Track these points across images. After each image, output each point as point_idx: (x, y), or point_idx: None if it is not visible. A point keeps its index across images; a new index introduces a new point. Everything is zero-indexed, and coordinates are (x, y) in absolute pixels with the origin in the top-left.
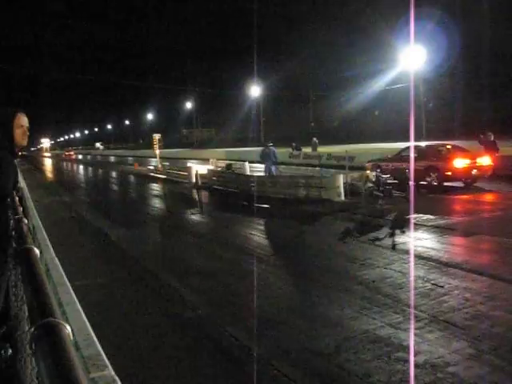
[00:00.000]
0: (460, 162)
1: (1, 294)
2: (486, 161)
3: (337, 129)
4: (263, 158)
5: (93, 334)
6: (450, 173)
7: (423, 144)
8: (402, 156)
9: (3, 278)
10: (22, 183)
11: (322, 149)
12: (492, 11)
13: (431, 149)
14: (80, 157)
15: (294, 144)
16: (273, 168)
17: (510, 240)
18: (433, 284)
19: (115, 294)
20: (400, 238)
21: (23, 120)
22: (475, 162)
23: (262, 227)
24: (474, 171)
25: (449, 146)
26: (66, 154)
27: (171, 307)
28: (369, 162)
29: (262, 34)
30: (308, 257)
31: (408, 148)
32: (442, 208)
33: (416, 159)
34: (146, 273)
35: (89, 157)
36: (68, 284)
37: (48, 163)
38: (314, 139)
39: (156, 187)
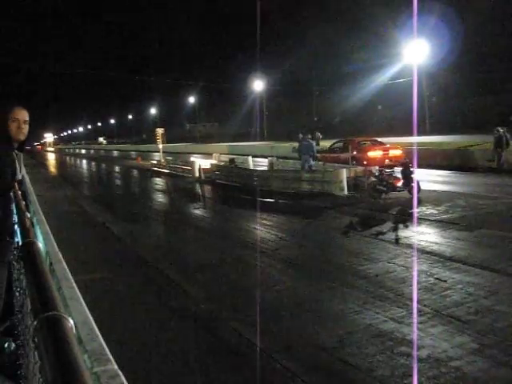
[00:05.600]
0: (373, 154)
1: (3, 287)
2: (397, 152)
3: (340, 123)
4: (302, 152)
5: (96, 329)
6: (365, 162)
7: (351, 139)
8: (333, 148)
9: (3, 270)
10: (24, 175)
11: (325, 143)
12: (496, 4)
13: (354, 143)
14: (83, 151)
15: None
16: (310, 161)
17: None
18: (436, 278)
19: (118, 289)
20: (403, 233)
21: (18, 113)
22: (387, 154)
23: (266, 221)
24: (387, 161)
25: (368, 141)
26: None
27: (174, 301)
28: None
29: (265, 28)
30: (311, 251)
31: (337, 142)
32: None
33: (343, 151)
34: (148, 267)
35: (92, 151)
36: (71, 278)
37: (51, 158)
38: (318, 133)
39: (159, 181)
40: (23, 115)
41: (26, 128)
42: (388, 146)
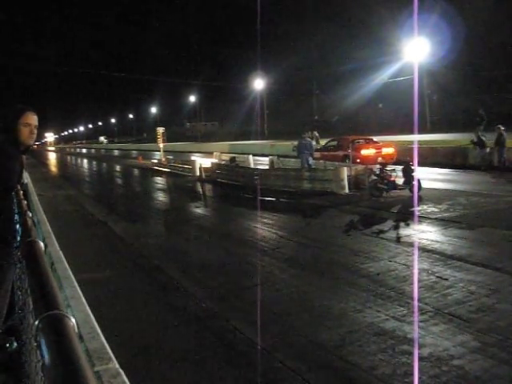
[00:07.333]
0: (366, 152)
1: (8, 287)
2: (390, 150)
3: (340, 121)
4: (300, 150)
5: (97, 327)
6: (358, 160)
7: (345, 137)
8: (328, 147)
9: (9, 270)
10: (27, 178)
11: (324, 141)
12: (496, 2)
13: (347, 141)
14: (84, 151)
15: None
16: (310, 159)
17: None
18: (437, 277)
19: (119, 288)
20: (404, 231)
21: (30, 118)
22: (380, 152)
23: (266, 220)
24: (379, 159)
25: (361, 139)
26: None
27: (175, 300)
28: None
29: (265, 27)
30: (312, 250)
31: (331, 140)
32: None
33: (336, 149)
34: (150, 266)
35: (93, 151)
36: (73, 277)
37: (52, 157)
38: (315, 132)
39: (160, 180)
40: (35, 120)
41: (35, 133)
42: (381, 144)
